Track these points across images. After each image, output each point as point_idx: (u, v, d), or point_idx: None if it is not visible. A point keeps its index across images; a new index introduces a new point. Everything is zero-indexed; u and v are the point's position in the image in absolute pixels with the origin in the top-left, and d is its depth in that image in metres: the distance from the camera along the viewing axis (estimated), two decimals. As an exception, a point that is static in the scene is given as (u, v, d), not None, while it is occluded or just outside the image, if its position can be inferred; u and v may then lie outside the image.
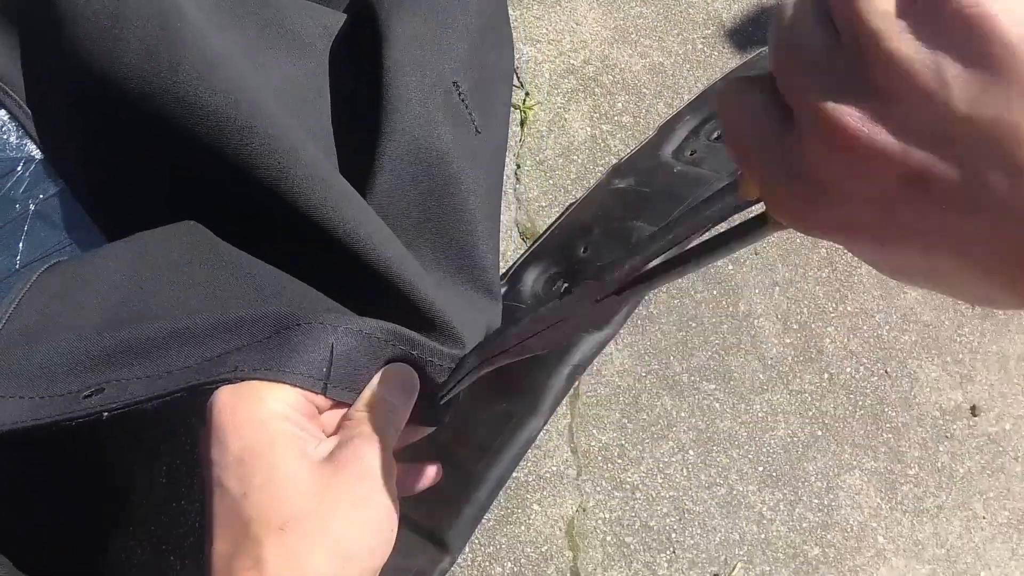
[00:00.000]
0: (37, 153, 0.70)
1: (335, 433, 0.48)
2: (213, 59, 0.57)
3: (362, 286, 0.56)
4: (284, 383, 0.46)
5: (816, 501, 0.92)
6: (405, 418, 0.49)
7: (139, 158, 0.63)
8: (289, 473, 0.42)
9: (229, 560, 0.41)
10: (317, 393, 0.47)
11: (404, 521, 0.70)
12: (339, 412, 0.49)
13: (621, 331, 0.81)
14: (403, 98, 0.65)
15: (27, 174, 0.69)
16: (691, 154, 0.90)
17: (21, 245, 0.68)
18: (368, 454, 0.44)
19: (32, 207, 0.69)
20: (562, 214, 0.89)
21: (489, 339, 0.51)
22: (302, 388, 0.46)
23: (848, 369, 0.97)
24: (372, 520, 0.43)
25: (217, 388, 0.46)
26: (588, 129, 0.97)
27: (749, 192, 0.38)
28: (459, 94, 0.69)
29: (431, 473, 0.55)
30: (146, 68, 0.56)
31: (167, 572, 0.76)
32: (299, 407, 0.46)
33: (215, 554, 0.42)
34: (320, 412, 0.48)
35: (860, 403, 0.97)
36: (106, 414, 0.46)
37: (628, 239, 0.84)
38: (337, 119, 0.70)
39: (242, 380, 0.46)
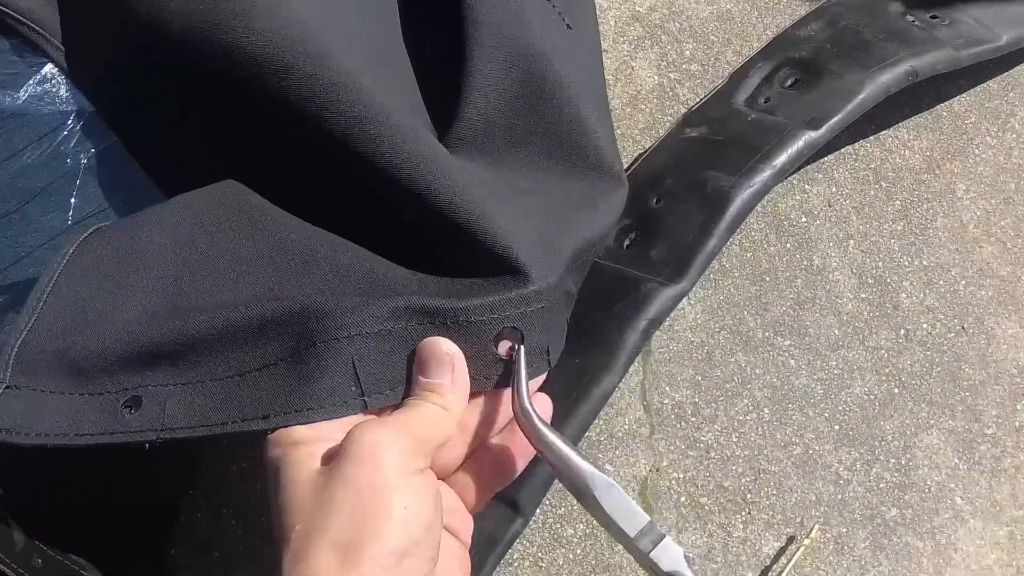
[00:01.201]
0: (88, 106, 0.68)
1: None
2: None
3: (418, 219, 0.53)
4: (313, 421, 0.46)
5: (893, 461, 0.90)
6: (457, 392, 0.49)
7: (185, 107, 0.62)
8: (296, 483, 0.43)
9: None
10: (356, 413, 0.47)
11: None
12: None
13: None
14: None
15: (78, 127, 0.68)
16: (765, 101, 0.88)
17: (73, 200, 0.67)
18: (362, 432, 0.43)
19: (84, 162, 0.67)
20: (631, 164, 0.87)
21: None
22: (336, 417, 0.46)
23: (924, 325, 0.95)
24: (371, 501, 0.41)
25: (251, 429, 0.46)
26: (655, 78, 0.95)
27: None
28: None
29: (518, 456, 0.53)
30: (186, 8, 0.54)
31: (229, 538, 0.75)
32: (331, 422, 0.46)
33: None
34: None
35: (937, 360, 0.94)
36: (147, 444, 0.46)
37: (703, 189, 0.82)
38: (410, 32, 0.68)
39: (276, 428, 0.46)
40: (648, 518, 0.47)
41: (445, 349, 0.48)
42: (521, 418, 0.49)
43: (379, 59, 0.63)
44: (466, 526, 0.53)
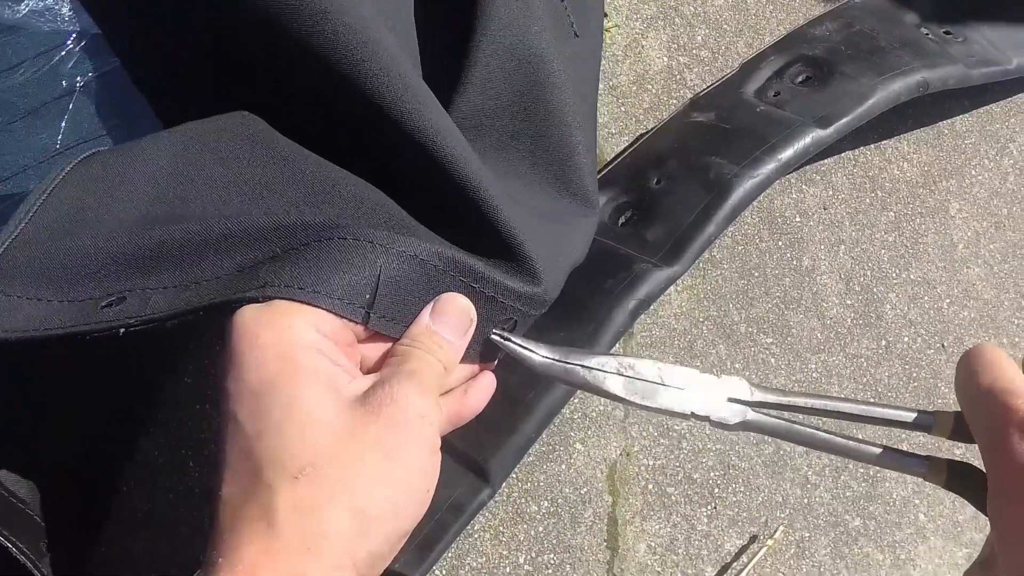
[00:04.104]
0: (91, 28, 0.67)
1: (375, 369, 0.44)
2: None
3: (436, 199, 0.52)
4: (318, 306, 0.40)
5: (862, 471, 0.90)
6: (459, 354, 0.46)
7: (199, 37, 0.59)
8: (311, 412, 0.38)
9: (237, 506, 0.37)
10: (357, 322, 0.43)
11: (446, 448, 0.66)
12: (382, 345, 0.45)
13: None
14: None
15: (77, 49, 0.66)
16: (774, 95, 0.88)
17: (63, 124, 0.65)
18: (406, 397, 0.40)
19: (80, 85, 0.66)
20: (633, 143, 0.86)
21: (572, 352, 0.48)
22: (339, 314, 0.41)
23: (905, 338, 0.96)
24: (403, 476, 0.39)
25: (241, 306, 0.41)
26: (665, 59, 0.95)
27: (940, 433, 0.45)
28: (557, -10, 0.65)
29: (484, 388, 0.51)
30: None
31: (184, 479, 0.73)
32: (334, 334, 0.42)
33: (222, 498, 0.38)
34: (359, 341, 0.44)
35: (914, 375, 0.95)
36: (122, 330, 0.42)
37: (706, 174, 0.81)
38: (421, 13, 0.66)
39: (270, 299, 0.41)
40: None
41: (469, 313, 0.46)
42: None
43: (394, 27, 0.62)
44: None
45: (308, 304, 0.41)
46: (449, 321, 0.45)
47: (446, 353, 0.44)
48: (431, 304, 0.46)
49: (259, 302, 0.41)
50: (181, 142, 0.52)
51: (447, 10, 0.63)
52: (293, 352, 0.39)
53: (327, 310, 0.41)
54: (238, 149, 0.52)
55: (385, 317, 0.44)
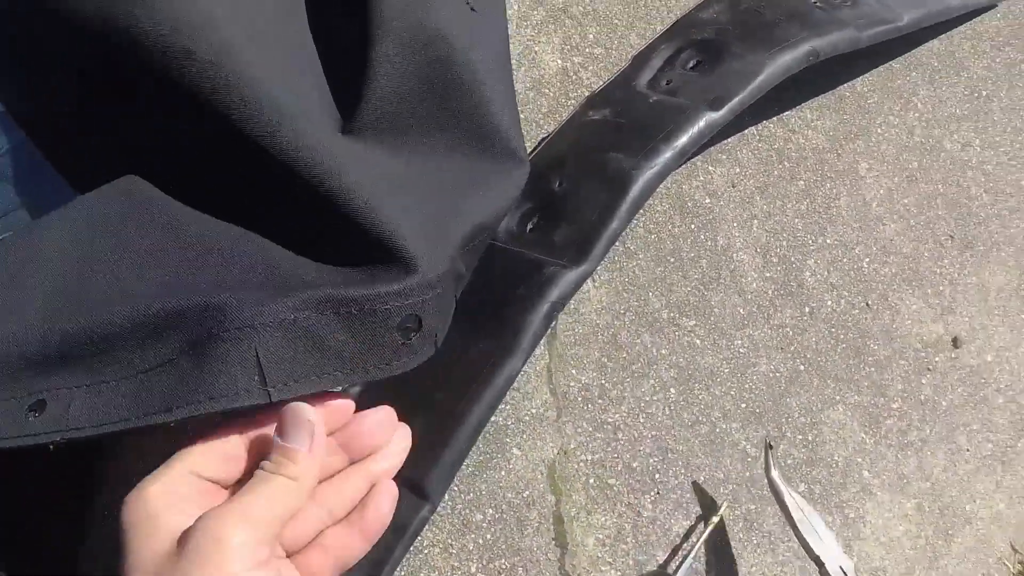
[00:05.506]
0: None
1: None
2: None
3: (310, 207, 0.54)
4: (215, 410, 0.45)
5: (800, 437, 0.92)
6: (312, 458, 0.49)
7: (85, 96, 0.62)
8: (143, 559, 0.43)
9: None
10: (261, 404, 0.48)
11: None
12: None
13: (598, 268, 0.81)
14: None
15: None
16: (667, 83, 0.90)
17: None
18: (207, 529, 0.43)
19: None
20: (534, 149, 0.88)
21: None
22: (239, 408, 0.46)
23: (829, 302, 0.98)
24: None
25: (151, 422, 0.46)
26: (559, 62, 0.96)
27: None
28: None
29: (384, 496, 0.54)
30: None
31: None
32: (201, 466, 0.46)
33: None
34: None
35: (842, 337, 0.97)
36: (51, 446, 0.46)
37: (605, 171, 0.83)
38: (318, 11, 0.68)
39: (176, 419, 0.46)
40: None
41: (306, 416, 0.48)
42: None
43: (281, 42, 0.63)
44: None
45: (207, 412, 0.46)
46: (287, 429, 0.48)
47: (296, 464, 0.47)
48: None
49: (166, 424, 0.46)
50: (76, 220, 0.55)
51: (343, 8, 0.66)
52: (141, 519, 0.44)
53: (223, 408, 0.46)
54: (128, 219, 0.55)
55: (286, 384, 0.48)
